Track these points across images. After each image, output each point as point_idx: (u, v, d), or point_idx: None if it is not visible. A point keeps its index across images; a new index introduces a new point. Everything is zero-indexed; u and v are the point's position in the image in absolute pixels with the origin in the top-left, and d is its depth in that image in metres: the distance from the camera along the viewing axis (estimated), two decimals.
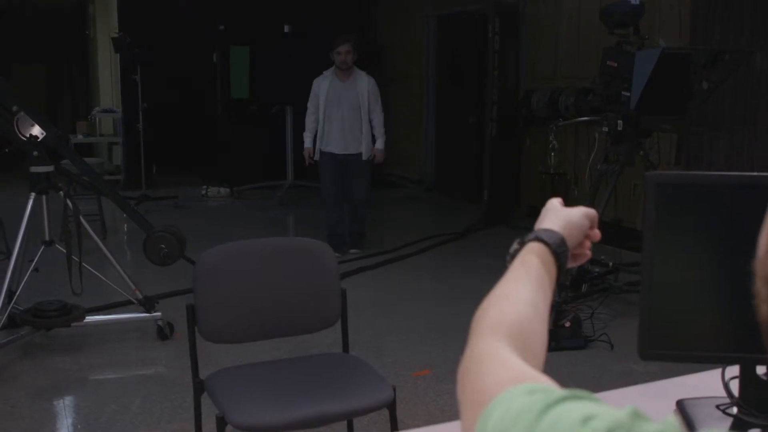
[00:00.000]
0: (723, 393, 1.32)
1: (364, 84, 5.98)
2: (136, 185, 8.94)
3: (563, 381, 0.68)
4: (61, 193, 3.96)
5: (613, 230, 5.20)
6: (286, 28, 9.08)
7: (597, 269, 4.94)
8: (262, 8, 9.14)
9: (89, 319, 4.09)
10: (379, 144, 6.08)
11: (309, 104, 6.08)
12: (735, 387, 1.31)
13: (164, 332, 4.13)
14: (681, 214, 1.25)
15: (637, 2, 4.45)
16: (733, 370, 1.32)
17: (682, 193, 1.24)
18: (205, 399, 2.36)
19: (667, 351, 1.30)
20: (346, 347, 2.62)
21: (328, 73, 6.03)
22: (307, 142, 6.12)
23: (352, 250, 6.11)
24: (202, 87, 9.96)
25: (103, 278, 4.18)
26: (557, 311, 4.28)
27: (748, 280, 0.66)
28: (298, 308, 2.53)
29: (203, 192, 9.07)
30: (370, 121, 6.04)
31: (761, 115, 5.15)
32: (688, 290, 1.28)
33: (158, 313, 4.17)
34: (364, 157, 5.99)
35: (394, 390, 2.32)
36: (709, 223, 1.24)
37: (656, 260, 1.25)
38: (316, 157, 6.02)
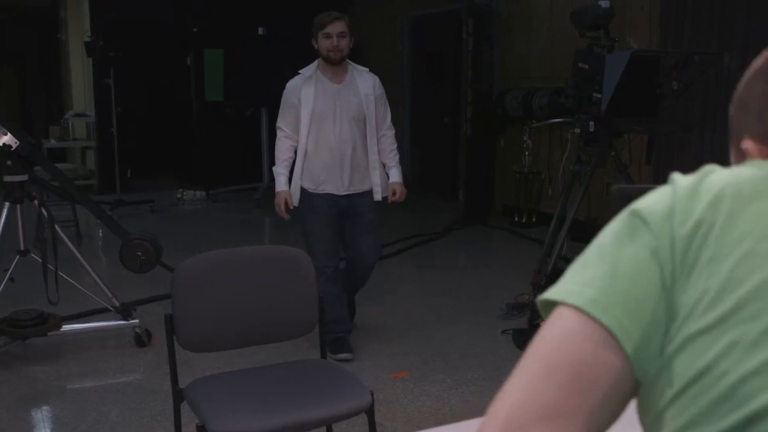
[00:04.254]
0: None
1: (368, 84, 3.91)
2: (111, 190, 8.90)
3: None
4: (36, 201, 3.93)
5: (586, 228, 5.28)
6: (260, 30, 9.07)
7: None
8: (235, 10, 9.13)
9: (66, 327, 4.08)
10: (396, 175, 4.03)
11: (279, 123, 3.90)
12: None
13: (142, 339, 4.13)
14: None
15: (607, 5, 4.50)
16: None
17: None
18: (184, 407, 2.38)
19: None
20: (323, 353, 2.66)
21: (308, 73, 3.87)
22: (281, 183, 3.90)
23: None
24: (176, 90, 9.92)
25: (80, 287, 4.17)
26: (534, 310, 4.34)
27: None
28: (276, 315, 2.55)
29: (179, 195, 9.04)
30: (379, 142, 3.99)
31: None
32: None
33: (136, 321, 4.16)
34: (380, 197, 4.02)
35: (372, 395, 2.35)
36: None
37: None
38: (296, 201, 3.92)
